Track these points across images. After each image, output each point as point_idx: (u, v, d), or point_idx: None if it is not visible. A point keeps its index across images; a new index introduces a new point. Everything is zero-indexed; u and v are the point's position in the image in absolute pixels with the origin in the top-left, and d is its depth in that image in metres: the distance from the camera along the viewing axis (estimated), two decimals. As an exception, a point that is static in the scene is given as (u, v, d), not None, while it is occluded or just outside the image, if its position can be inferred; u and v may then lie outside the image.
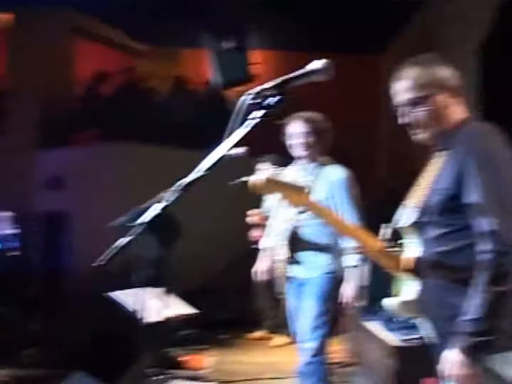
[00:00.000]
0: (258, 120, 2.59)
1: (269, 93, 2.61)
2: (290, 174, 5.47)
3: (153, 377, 5.90)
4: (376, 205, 7.32)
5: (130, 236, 2.66)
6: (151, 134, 12.25)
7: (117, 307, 5.40)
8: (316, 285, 5.39)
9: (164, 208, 2.57)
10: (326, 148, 5.54)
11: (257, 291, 9.43)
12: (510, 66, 9.07)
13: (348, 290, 5.31)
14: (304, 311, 5.42)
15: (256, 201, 8.32)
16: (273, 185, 3.46)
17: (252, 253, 7.94)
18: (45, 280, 12.35)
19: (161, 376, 6.08)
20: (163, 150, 12.38)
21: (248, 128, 2.60)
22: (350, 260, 5.28)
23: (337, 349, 7.49)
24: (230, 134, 2.60)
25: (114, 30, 15.64)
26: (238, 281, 9.77)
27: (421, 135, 3.40)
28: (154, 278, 5.12)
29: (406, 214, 3.41)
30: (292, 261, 5.42)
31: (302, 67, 2.73)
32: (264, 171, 7.76)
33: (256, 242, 8.26)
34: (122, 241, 2.68)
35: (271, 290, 7.16)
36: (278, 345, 9.19)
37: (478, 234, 3.04)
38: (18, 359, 8.98)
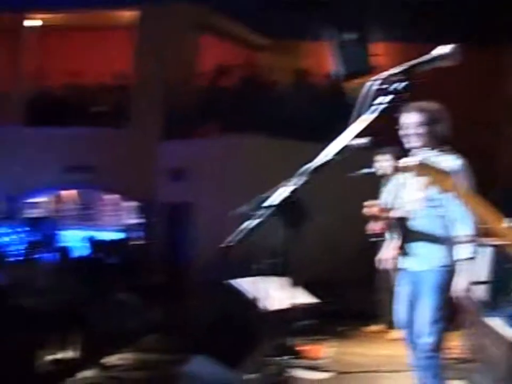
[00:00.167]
0: (385, 105, 2.57)
1: (396, 78, 2.59)
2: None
3: (273, 365, 5.96)
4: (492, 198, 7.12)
5: (258, 218, 2.68)
6: (272, 127, 12.34)
7: (238, 295, 5.49)
8: (432, 278, 5.29)
9: (293, 192, 2.58)
10: (442, 137, 5.42)
11: (377, 284, 9.36)
12: None
13: (459, 284, 5.20)
14: (420, 305, 5.34)
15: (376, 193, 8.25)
16: (424, 168, 3.45)
17: (372, 245, 7.88)
18: (168, 269, 12.65)
19: (280, 364, 6.13)
20: (283, 142, 12.44)
21: (375, 114, 2.58)
22: (463, 252, 5.16)
23: (456, 344, 7.35)
24: (356, 119, 2.60)
25: (237, 24, 15.84)
26: (358, 274, 9.73)
27: None
28: (277, 267, 5.17)
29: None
30: (406, 252, 5.35)
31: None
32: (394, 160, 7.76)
33: (374, 235, 8.18)
34: (251, 223, 2.71)
35: (391, 283, 7.08)
36: (395, 339, 9.09)
37: None
38: (141, 344, 9.24)
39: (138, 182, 14.25)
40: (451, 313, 5.64)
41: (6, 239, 13.07)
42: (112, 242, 13.18)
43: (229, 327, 6.92)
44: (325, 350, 7.98)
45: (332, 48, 12.94)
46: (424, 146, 5.44)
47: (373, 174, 8.31)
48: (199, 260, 12.16)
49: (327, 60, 13.63)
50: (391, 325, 9.55)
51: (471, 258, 5.15)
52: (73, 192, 16.11)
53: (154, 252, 13.45)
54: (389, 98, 2.62)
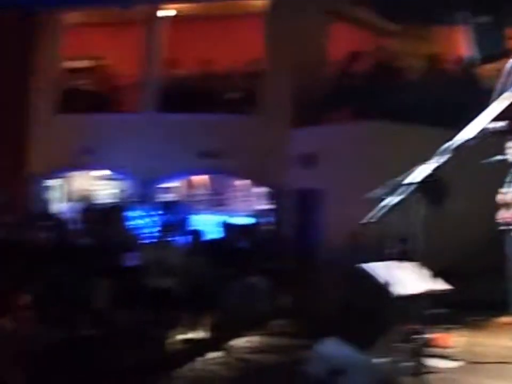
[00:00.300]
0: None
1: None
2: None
3: (402, 351, 5.91)
4: None
5: (398, 195, 2.67)
6: (403, 112, 12.17)
7: (370, 279, 5.47)
8: None
9: (435, 169, 2.56)
10: None
11: (509, 274, 9.08)
12: None
13: None
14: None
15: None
16: None
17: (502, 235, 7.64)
18: (297, 254, 12.70)
19: (409, 351, 6.07)
20: (415, 128, 12.24)
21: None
22: None
23: None
24: (497, 96, 2.55)
25: (367, 11, 15.67)
26: (490, 262, 9.48)
27: None
28: (410, 252, 5.13)
29: None
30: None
31: None
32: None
33: (505, 223, 7.92)
34: (392, 200, 2.71)
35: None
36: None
37: None
38: (270, 328, 9.35)
39: (268, 168, 14.36)
40: None
41: (140, 222, 13.51)
42: (243, 227, 13.36)
43: (359, 311, 6.91)
44: (454, 340, 7.84)
45: (466, 32, 12.60)
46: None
47: (506, 161, 8.06)
48: (328, 245, 12.16)
49: (458, 44, 13.30)
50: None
51: None
52: (204, 177, 16.42)
53: (284, 237, 13.54)
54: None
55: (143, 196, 15.06)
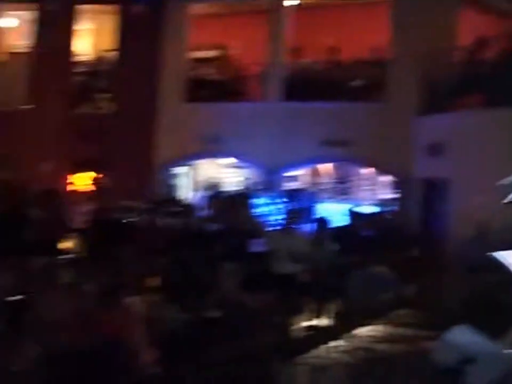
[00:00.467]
0: None
1: None
2: None
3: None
4: None
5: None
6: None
7: (500, 268, 5.31)
8: None
9: None
10: None
11: None
12: None
13: None
14: None
15: None
16: None
17: None
18: (422, 244, 12.54)
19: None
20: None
21: None
22: None
23: None
24: None
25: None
26: None
27: None
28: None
29: None
30: None
31: None
32: None
33: None
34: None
35: None
36: None
37: None
38: (393, 318, 9.28)
39: (394, 156, 14.22)
40: None
41: (266, 209, 13.66)
42: (368, 215, 13.29)
43: (488, 301, 6.75)
44: None
45: None
46: None
47: None
48: (455, 234, 11.94)
49: None
50: None
51: None
52: (329, 166, 16.40)
53: (410, 226, 13.37)
54: None
55: (269, 184, 15.20)
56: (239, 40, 16.78)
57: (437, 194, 13.19)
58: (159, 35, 16.95)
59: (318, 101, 15.27)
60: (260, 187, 15.05)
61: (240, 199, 11.46)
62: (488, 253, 5.08)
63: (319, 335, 8.82)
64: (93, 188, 15.50)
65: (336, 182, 16.28)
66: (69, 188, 17.06)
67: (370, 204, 14.99)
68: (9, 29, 19.63)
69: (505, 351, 4.68)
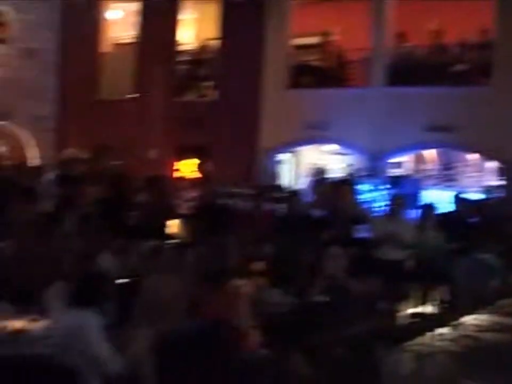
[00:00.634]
0: None
1: None
2: None
3: None
4: None
5: None
6: None
7: None
8: None
9: None
10: None
11: None
12: None
13: None
14: None
15: None
16: None
17: None
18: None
19: None
20: None
21: None
22: None
23: None
24: None
25: None
26: None
27: None
28: None
29: None
30: None
31: None
32: None
33: None
34: None
35: None
36: None
37: None
38: (499, 307, 9.09)
39: (500, 142, 13.91)
40: None
41: (371, 195, 13.61)
42: (474, 202, 13.02)
43: None
44: None
45: None
46: None
47: None
48: None
49: None
50: None
51: None
52: (433, 151, 16.18)
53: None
54: None
55: (373, 170, 15.11)
56: (342, 26, 16.69)
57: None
58: (261, 22, 17.04)
59: (422, 85, 15.08)
60: (364, 173, 14.99)
61: (345, 185, 11.41)
62: None
63: (424, 322, 8.75)
64: (198, 174, 15.76)
65: (441, 168, 16.05)
66: (175, 174, 17.43)
67: (476, 191, 14.70)
68: (114, 20, 20.17)
69: None
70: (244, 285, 6.65)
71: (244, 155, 16.78)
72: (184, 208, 12.24)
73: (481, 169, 15.59)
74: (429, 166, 16.26)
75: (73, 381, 5.16)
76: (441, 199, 13.21)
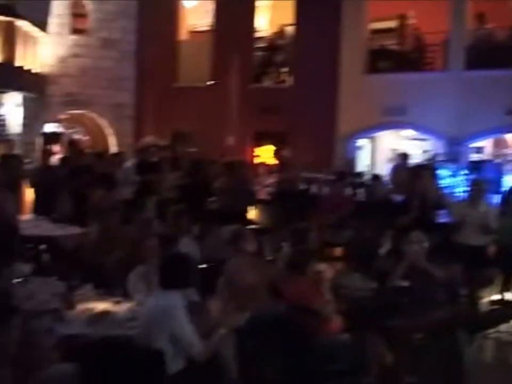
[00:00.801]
0: None
1: None
2: None
3: None
4: None
5: None
6: None
7: None
8: None
9: None
10: None
11: None
12: None
13: None
14: None
15: None
16: None
17: None
18: None
19: None
20: None
21: None
22: None
23: None
24: None
25: None
26: None
27: None
28: None
29: None
30: None
31: None
32: None
33: None
34: None
35: None
36: None
37: None
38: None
39: None
40: None
41: (451, 180, 13.40)
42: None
43: None
44: None
45: None
46: None
47: None
48: None
49: None
50: None
51: None
52: (513, 135, 15.88)
53: None
54: None
55: (453, 155, 14.87)
56: (419, 9, 16.44)
57: None
58: (338, 7, 16.92)
59: (502, 68, 14.75)
60: (444, 158, 14.76)
61: (424, 170, 11.27)
62: None
63: (506, 310, 8.59)
64: (275, 160, 15.81)
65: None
66: (253, 160, 17.53)
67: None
68: (191, 8, 20.35)
69: None
70: (324, 270, 6.65)
71: (321, 141, 16.74)
72: (263, 194, 12.33)
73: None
74: (510, 151, 15.93)
75: (158, 362, 5.25)
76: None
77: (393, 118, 16.05)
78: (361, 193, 11.80)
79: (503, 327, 7.05)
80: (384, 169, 15.48)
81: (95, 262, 7.53)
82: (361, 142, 17.50)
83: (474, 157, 15.57)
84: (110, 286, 6.81)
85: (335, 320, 6.40)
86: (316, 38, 16.94)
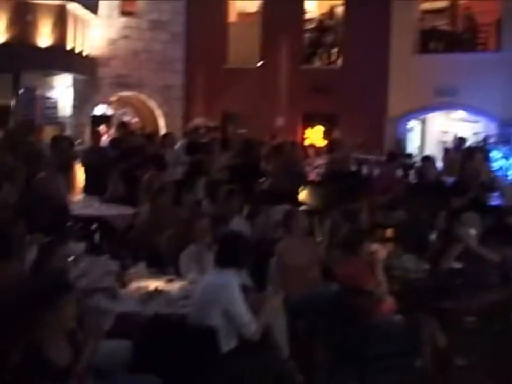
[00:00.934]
0: None
1: None
2: None
3: None
4: None
5: None
6: None
7: None
8: None
9: None
10: None
11: None
12: None
13: None
14: None
15: None
16: None
17: None
18: None
19: None
20: None
21: None
22: None
23: None
24: None
25: None
26: None
27: None
28: None
29: None
30: None
31: None
32: None
33: None
34: None
35: None
36: None
37: None
38: None
39: None
40: None
41: (503, 162, 13.21)
42: None
43: None
44: None
45: None
46: None
47: None
48: None
49: None
50: None
51: None
52: None
53: None
54: None
55: (504, 137, 14.64)
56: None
57: None
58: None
59: None
60: (495, 140, 14.55)
61: (476, 152, 11.13)
62: None
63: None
64: (325, 141, 15.75)
65: None
66: (303, 141, 17.49)
67: None
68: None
69: None
70: (377, 251, 6.61)
71: (371, 122, 16.62)
72: (313, 175, 12.29)
73: None
74: None
75: (211, 340, 5.28)
76: None
77: (444, 99, 15.88)
78: (412, 175, 11.69)
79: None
80: (434, 151, 15.32)
81: (146, 242, 7.58)
82: (411, 123, 17.33)
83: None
84: (162, 264, 6.86)
85: (388, 301, 6.36)
86: (366, 18, 16.79)
